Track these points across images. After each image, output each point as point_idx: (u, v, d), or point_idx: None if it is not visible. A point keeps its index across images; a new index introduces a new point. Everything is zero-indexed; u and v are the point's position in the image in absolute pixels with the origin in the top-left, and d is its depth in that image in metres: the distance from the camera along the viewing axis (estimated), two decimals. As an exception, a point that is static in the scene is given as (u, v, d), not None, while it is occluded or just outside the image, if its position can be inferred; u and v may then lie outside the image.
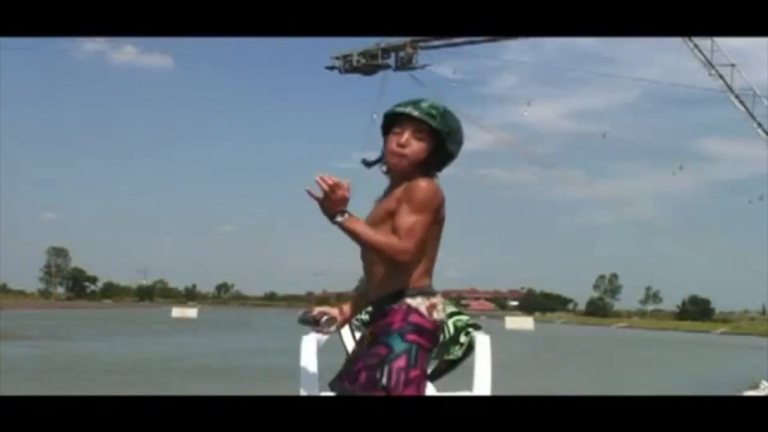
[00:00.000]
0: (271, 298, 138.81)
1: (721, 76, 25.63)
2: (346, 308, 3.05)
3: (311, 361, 3.33)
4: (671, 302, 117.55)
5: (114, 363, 19.44)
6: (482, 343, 3.63)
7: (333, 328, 3.01)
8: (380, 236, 2.66)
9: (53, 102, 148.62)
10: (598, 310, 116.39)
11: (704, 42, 25.31)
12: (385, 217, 2.73)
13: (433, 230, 2.74)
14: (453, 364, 3.73)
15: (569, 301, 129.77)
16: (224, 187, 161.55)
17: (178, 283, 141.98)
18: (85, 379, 15.65)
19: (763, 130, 25.81)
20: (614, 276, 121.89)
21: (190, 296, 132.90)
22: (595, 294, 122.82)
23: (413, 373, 2.62)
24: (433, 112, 2.74)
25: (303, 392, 3.25)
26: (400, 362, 2.62)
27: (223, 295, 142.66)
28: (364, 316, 3.51)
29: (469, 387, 3.46)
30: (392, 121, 2.76)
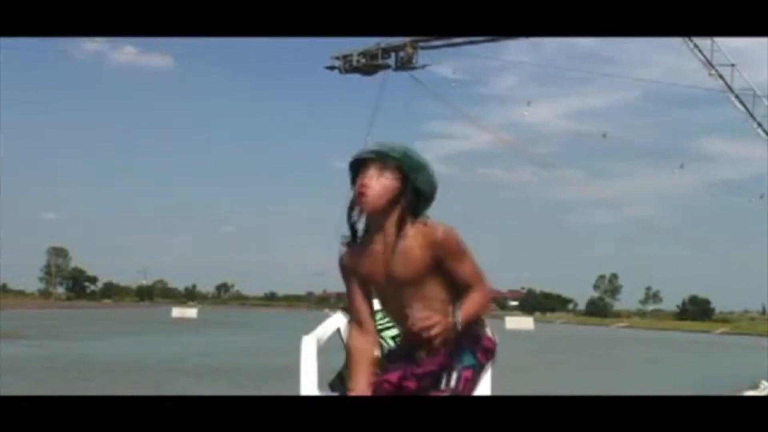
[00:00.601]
0: (271, 298, 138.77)
1: (721, 76, 25.62)
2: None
3: (311, 361, 3.33)
4: (671, 302, 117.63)
5: (114, 363, 19.44)
6: (482, 343, 3.64)
7: None
8: (473, 305, 2.71)
9: (53, 102, 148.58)
10: (598, 310, 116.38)
11: (704, 42, 25.29)
12: (417, 279, 2.69)
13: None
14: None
15: (569, 301, 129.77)
16: (224, 187, 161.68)
17: (178, 283, 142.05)
18: (84, 379, 15.65)
19: (763, 130, 25.81)
20: (614, 276, 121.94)
21: (190, 296, 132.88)
22: (595, 294, 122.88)
23: (474, 388, 2.73)
24: (393, 149, 2.71)
25: (303, 392, 3.25)
26: (467, 373, 2.70)
27: (223, 295, 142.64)
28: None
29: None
30: (356, 171, 2.71)
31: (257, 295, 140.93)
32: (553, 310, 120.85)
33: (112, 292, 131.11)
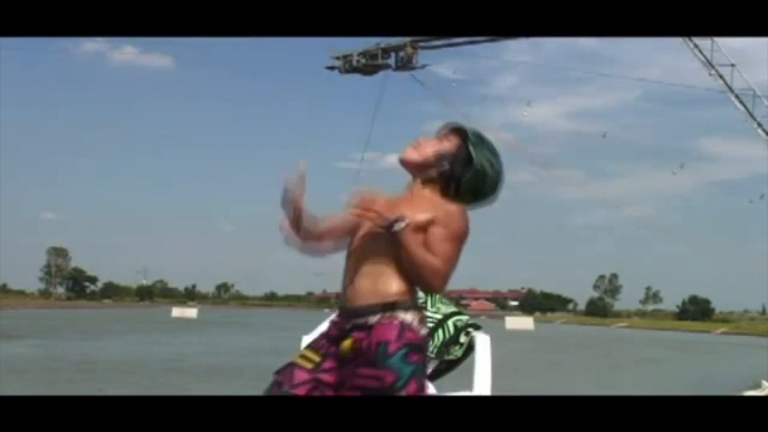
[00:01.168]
0: (271, 298, 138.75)
1: (721, 76, 25.63)
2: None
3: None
4: (671, 302, 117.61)
5: (114, 363, 19.43)
6: (482, 343, 3.64)
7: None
8: (429, 256, 2.51)
9: (53, 102, 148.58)
10: (598, 310, 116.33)
11: (704, 42, 25.30)
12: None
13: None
14: (453, 364, 3.73)
15: (569, 301, 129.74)
16: (224, 187, 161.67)
17: (178, 283, 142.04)
18: (84, 379, 15.64)
19: (763, 130, 25.81)
20: (614, 276, 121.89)
21: (190, 296, 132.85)
22: (595, 294, 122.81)
23: (422, 393, 2.55)
24: (473, 130, 2.66)
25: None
26: (412, 387, 2.48)
27: (223, 295, 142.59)
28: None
29: (469, 387, 3.46)
30: None
31: (257, 295, 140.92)
32: (553, 310, 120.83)
33: (112, 292, 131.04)
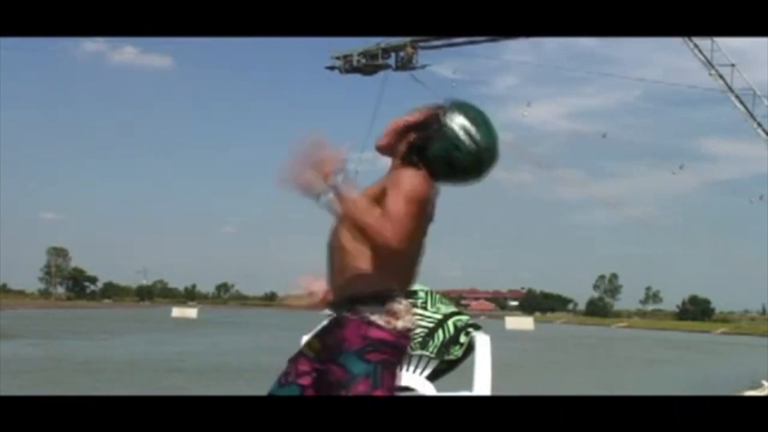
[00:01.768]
0: (271, 298, 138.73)
1: (721, 76, 25.62)
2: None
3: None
4: (671, 302, 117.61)
5: (114, 363, 19.43)
6: (482, 343, 3.64)
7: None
8: (372, 216, 2.38)
9: (53, 102, 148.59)
10: (598, 310, 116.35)
11: (704, 42, 25.30)
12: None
13: (419, 227, 2.50)
14: (453, 364, 3.74)
15: (569, 301, 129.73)
16: (224, 187, 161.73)
17: (178, 283, 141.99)
18: (84, 378, 15.64)
19: (763, 130, 25.81)
20: (614, 276, 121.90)
21: (190, 296, 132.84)
22: (595, 294, 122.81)
23: (378, 394, 2.44)
24: (462, 106, 2.56)
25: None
26: (361, 387, 2.41)
27: (223, 295, 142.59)
28: None
29: (469, 387, 3.47)
30: None
31: (257, 295, 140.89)
32: (553, 310, 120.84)
33: (112, 292, 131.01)
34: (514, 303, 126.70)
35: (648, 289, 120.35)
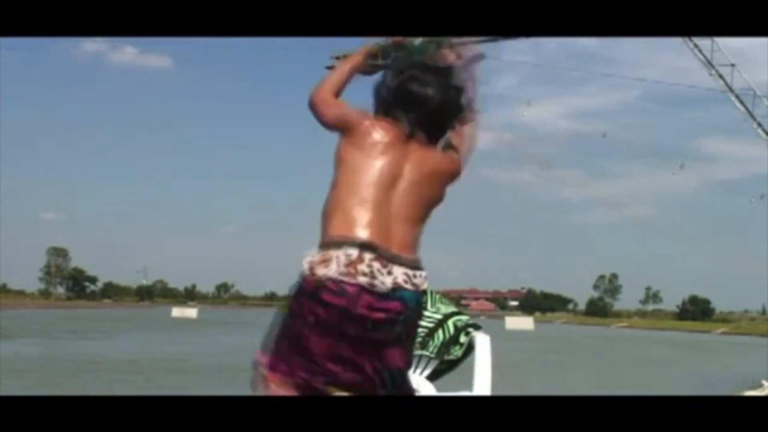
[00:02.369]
0: (271, 298, 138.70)
1: (721, 76, 25.64)
2: None
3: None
4: (671, 302, 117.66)
5: (114, 363, 19.44)
6: (482, 343, 3.64)
7: None
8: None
9: (53, 102, 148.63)
10: (598, 310, 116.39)
11: (704, 42, 25.33)
12: None
13: (352, 156, 2.41)
14: (453, 364, 3.74)
15: (569, 301, 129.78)
16: (224, 187, 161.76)
17: (178, 283, 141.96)
18: (84, 378, 15.64)
19: (763, 130, 25.82)
20: (614, 276, 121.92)
21: (190, 296, 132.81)
22: (595, 294, 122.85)
23: (267, 353, 2.32)
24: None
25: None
26: (274, 331, 2.33)
27: (223, 295, 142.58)
28: None
29: (469, 387, 3.47)
30: None
31: (257, 295, 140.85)
32: (553, 310, 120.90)
33: (112, 292, 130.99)
34: (514, 303, 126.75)
35: (648, 289, 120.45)
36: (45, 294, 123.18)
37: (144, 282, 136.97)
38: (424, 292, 2.40)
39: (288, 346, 2.32)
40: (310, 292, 2.27)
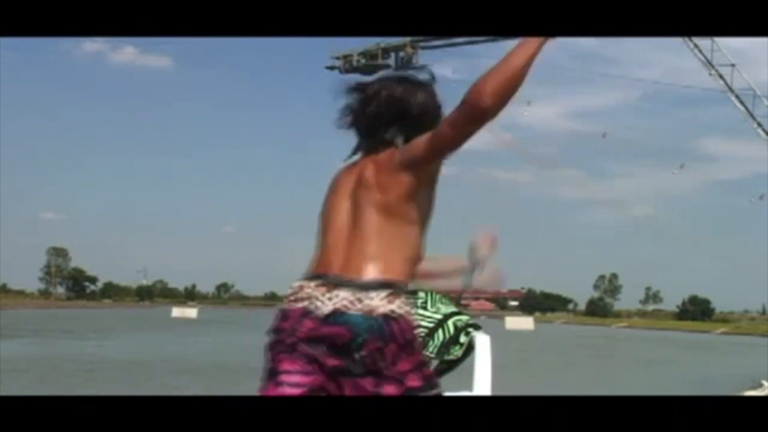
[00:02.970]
0: (271, 298, 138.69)
1: (721, 76, 25.64)
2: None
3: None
4: (671, 302, 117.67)
5: (114, 362, 19.44)
6: (482, 343, 3.64)
7: None
8: None
9: (53, 102, 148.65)
10: (598, 310, 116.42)
11: (704, 42, 25.31)
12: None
13: (325, 201, 2.46)
14: (453, 364, 3.73)
15: (569, 301, 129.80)
16: (224, 187, 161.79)
17: (178, 283, 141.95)
18: (84, 378, 15.65)
19: (763, 130, 25.82)
20: (614, 276, 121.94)
21: (190, 296, 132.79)
22: (595, 294, 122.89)
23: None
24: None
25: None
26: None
27: (223, 295, 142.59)
28: None
29: (469, 387, 3.46)
30: None
31: (257, 295, 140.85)
32: (553, 310, 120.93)
33: (112, 292, 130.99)
34: (514, 303, 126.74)
35: (648, 289, 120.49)
36: (45, 294, 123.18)
37: (144, 282, 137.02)
38: (388, 315, 2.22)
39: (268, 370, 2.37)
40: (271, 324, 2.35)
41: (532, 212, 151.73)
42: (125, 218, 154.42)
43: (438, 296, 3.83)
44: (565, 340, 44.81)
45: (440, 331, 3.72)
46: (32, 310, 73.07)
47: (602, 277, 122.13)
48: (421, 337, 3.73)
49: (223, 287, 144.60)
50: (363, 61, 27.73)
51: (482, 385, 3.43)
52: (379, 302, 2.21)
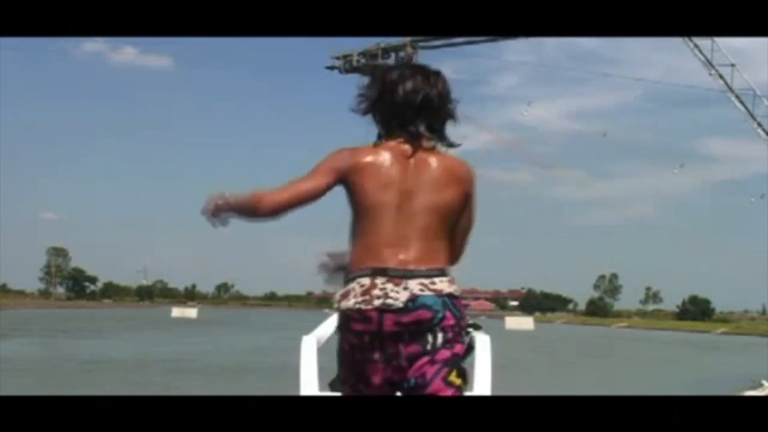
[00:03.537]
0: (271, 298, 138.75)
1: (721, 76, 25.63)
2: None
3: (311, 361, 3.33)
4: (671, 302, 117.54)
5: (114, 362, 19.44)
6: (482, 343, 3.63)
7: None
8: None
9: (53, 102, 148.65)
10: (598, 310, 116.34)
11: (704, 42, 25.31)
12: None
13: (361, 189, 2.49)
14: (453, 364, 3.73)
15: (569, 301, 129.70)
16: (224, 187, 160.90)
17: (178, 283, 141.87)
18: (84, 378, 15.65)
19: (763, 130, 25.82)
20: (614, 276, 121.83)
21: (190, 296, 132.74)
22: (595, 294, 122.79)
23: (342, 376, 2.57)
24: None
25: (303, 392, 3.25)
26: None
27: (223, 295, 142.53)
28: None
29: (469, 387, 3.46)
30: None
31: (257, 295, 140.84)
32: (553, 310, 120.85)
33: (112, 292, 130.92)
34: (514, 303, 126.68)
35: (648, 289, 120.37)
36: (45, 294, 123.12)
37: (144, 282, 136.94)
38: (452, 294, 2.50)
39: (348, 374, 2.55)
40: (341, 325, 2.51)
41: (532, 212, 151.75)
42: (125, 218, 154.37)
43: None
44: (565, 340, 44.81)
45: (440, 331, 3.72)
46: (32, 310, 73.08)
47: (602, 277, 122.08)
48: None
49: (223, 287, 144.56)
50: (363, 61, 27.74)
51: (482, 385, 3.42)
52: (444, 285, 2.49)
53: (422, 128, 2.54)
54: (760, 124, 25.78)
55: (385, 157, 2.52)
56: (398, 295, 2.42)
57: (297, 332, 3.36)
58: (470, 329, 3.78)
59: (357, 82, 2.62)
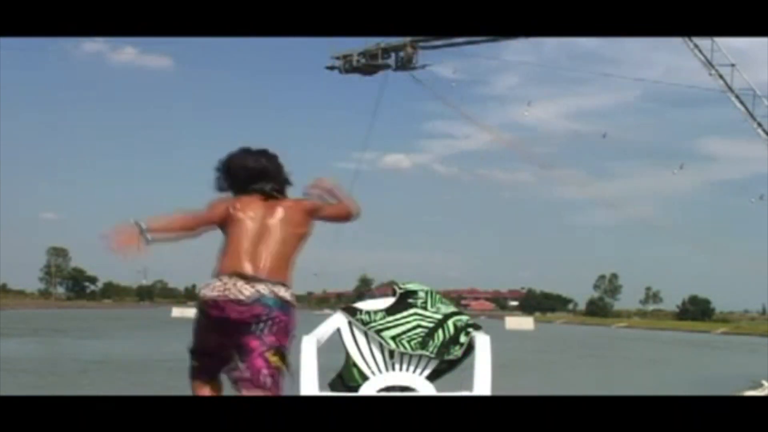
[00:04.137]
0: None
1: (721, 76, 25.62)
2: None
3: (311, 361, 3.34)
4: (671, 302, 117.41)
5: (114, 363, 19.44)
6: (482, 343, 3.63)
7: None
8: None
9: (53, 102, 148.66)
10: (598, 310, 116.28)
11: (704, 42, 25.29)
12: None
13: (232, 222, 3.45)
14: (453, 364, 3.73)
15: (569, 301, 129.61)
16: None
17: (178, 283, 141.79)
18: (84, 378, 15.64)
19: (763, 130, 25.81)
20: (614, 276, 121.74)
21: (190, 296, 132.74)
22: (595, 294, 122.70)
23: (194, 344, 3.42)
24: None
25: (303, 392, 3.26)
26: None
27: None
28: (364, 317, 3.53)
29: (469, 387, 3.46)
30: None
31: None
32: (553, 310, 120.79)
33: (112, 292, 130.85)
34: (514, 303, 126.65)
35: (648, 289, 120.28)
36: (45, 294, 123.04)
37: (144, 282, 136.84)
38: (286, 302, 3.25)
39: (198, 343, 3.35)
40: (200, 309, 3.30)
41: (532, 212, 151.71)
42: (125, 218, 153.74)
43: (438, 296, 3.84)
44: (565, 340, 44.81)
45: (440, 331, 3.72)
46: (32, 310, 73.05)
47: (602, 277, 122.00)
48: (421, 337, 3.75)
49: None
50: (363, 61, 27.70)
51: (482, 385, 3.42)
52: (285, 294, 3.27)
53: (267, 187, 3.43)
54: (760, 125, 25.76)
55: (247, 204, 3.44)
56: (246, 291, 3.21)
57: (297, 332, 3.37)
58: (470, 329, 3.79)
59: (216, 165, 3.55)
